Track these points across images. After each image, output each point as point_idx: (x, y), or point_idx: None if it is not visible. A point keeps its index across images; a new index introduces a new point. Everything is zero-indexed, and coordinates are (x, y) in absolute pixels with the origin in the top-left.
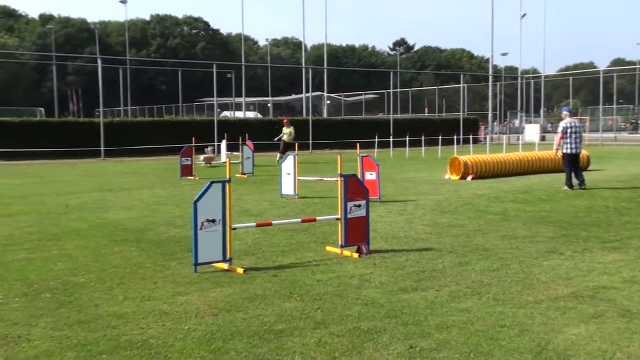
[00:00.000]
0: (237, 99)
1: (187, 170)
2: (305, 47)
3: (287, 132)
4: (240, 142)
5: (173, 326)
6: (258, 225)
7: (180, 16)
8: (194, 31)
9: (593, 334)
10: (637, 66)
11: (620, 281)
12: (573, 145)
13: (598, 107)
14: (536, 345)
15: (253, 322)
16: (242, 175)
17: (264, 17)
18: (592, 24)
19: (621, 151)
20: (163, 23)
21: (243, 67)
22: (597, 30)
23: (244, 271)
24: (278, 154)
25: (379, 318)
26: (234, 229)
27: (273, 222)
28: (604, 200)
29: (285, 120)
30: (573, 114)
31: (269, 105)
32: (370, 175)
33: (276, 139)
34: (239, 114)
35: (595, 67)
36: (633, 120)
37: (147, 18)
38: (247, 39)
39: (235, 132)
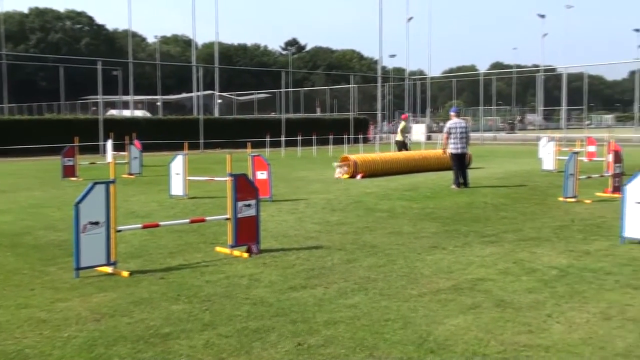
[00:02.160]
0: (125, 97)
1: (69, 171)
2: (196, 45)
3: (401, 128)
4: (127, 142)
5: (51, 334)
6: (145, 227)
7: (61, 10)
8: (77, 26)
9: (471, 324)
10: (514, 70)
11: (496, 273)
12: (457, 145)
13: (479, 108)
14: (418, 337)
15: (138, 326)
16: (129, 176)
17: (153, 13)
18: (474, 29)
19: (500, 150)
20: (43, 17)
21: (130, 64)
22: (479, 35)
23: (130, 274)
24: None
25: (267, 317)
26: (119, 231)
27: (160, 223)
28: (484, 197)
29: (403, 116)
30: (457, 114)
31: (158, 103)
32: (261, 175)
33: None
34: (127, 113)
35: (476, 70)
36: (510, 121)
37: (25, 11)
38: (135, 35)
39: (122, 131)
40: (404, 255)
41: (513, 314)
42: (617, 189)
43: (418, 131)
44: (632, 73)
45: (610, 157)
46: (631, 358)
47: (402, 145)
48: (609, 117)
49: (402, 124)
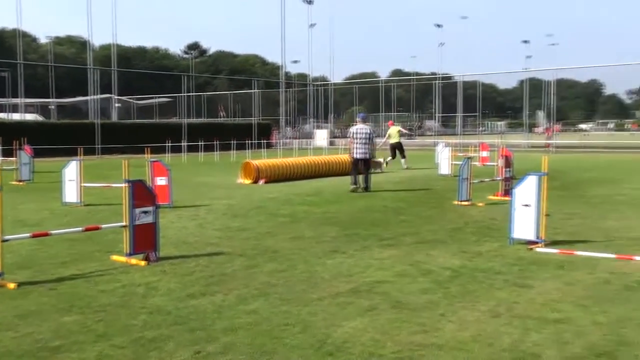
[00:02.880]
0: (14, 100)
1: None
2: (93, 46)
3: (392, 134)
4: (16, 147)
5: None
6: (34, 236)
7: None
8: None
9: (368, 326)
10: (413, 77)
11: (394, 275)
12: (357, 151)
13: (380, 114)
14: (317, 341)
15: (24, 340)
16: (19, 183)
17: (45, 12)
18: (375, 36)
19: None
20: None
21: (20, 65)
22: (380, 42)
23: (17, 286)
24: (402, 160)
25: (165, 326)
26: (5, 240)
27: (52, 231)
28: (383, 201)
29: (389, 123)
30: (363, 120)
31: (51, 107)
32: (161, 181)
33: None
34: (16, 116)
35: (377, 77)
36: (409, 127)
37: None
38: (25, 35)
39: (11, 136)
40: (304, 260)
41: (409, 315)
42: (507, 192)
43: (321, 136)
44: (522, 82)
45: (501, 162)
46: (516, 352)
47: (399, 147)
48: (501, 124)
49: (394, 129)
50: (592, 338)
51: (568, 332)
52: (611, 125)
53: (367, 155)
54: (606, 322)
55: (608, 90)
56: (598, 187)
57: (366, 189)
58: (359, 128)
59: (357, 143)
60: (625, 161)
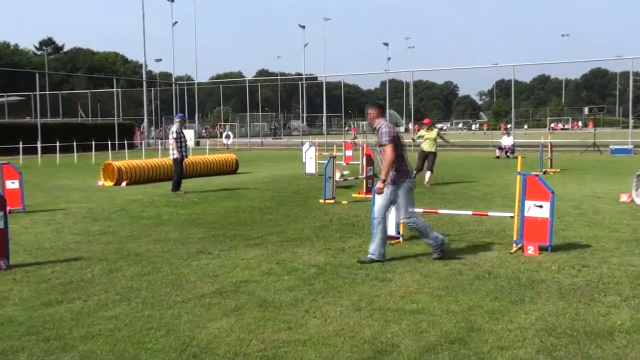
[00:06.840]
0: None
1: None
2: None
3: (429, 137)
4: None
5: None
6: None
7: None
8: None
9: (233, 326)
10: (278, 77)
11: (260, 274)
12: (170, 152)
13: (246, 114)
14: (181, 343)
15: None
16: None
17: None
18: (240, 36)
19: (266, 155)
20: None
21: None
22: (245, 42)
23: None
24: (427, 173)
25: (17, 337)
26: None
27: None
28: (250, 201)
29: (426, 120)
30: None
31: None
32: (12, 184)
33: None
34: None
35: (243, 77)
36: (273, 127)
37: None
38: None
39: None
40: (169, 262)
41: (274, 313)
42: (370, 190)
43: (186, 136)
44: (384, 83)
45: (364, 161)
46: (376, 344)
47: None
48: (365, 124)
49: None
50: (446, 326)
51: (424, 321)
52: (460, 125)
53: (171, 156)
54: (459, 310)
55: (462, 92)
56: (453, 183)
57: (173, 189)
58: (175, 128)
59: (178, 144)
60: (474, 158)
